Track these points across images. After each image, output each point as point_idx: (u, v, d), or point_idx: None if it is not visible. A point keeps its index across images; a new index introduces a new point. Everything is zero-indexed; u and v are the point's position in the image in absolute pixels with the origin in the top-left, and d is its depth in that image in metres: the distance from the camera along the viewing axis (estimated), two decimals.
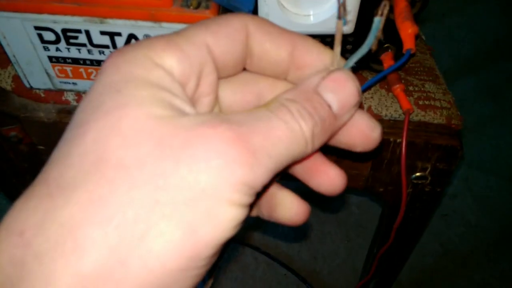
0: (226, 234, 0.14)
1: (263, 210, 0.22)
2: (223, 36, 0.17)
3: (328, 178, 0.20)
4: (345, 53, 0.38)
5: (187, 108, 0.16)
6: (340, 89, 0.17)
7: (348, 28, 0.34)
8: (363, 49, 0.18)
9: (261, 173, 0.15)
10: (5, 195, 0.51)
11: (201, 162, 0.14)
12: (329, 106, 0.17)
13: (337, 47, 0.18)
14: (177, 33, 0.17)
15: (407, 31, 0.31)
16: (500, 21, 1.26)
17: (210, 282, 0.22)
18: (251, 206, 0.16)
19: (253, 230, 0.86)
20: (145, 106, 0.15)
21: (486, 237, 0.83)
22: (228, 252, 0.83)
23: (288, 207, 0.21)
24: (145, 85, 0.15)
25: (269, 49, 0.18)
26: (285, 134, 0.15)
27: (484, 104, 1.04)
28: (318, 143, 0.17)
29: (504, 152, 0.96)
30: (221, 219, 0.14)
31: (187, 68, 0.16)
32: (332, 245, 0.83)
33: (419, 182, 0.41)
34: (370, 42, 0.18)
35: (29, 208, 0.14)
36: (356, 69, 0.40)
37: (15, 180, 0.48)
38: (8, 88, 0.41)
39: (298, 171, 0.20)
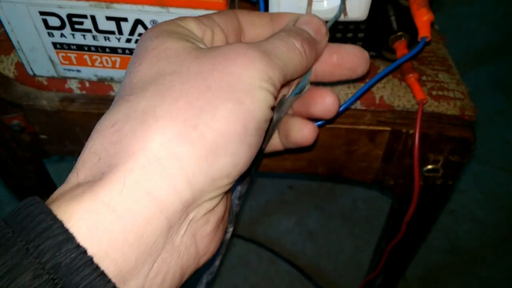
0: (263, 111, 0.20)
1: (282, 138, 0.27)
2: (222, 15, 0.24)
3: (324, 102, 0.26)
4: (357, 41, 0.37)
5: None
6: (310, 22, 0.25)
7: (361, 15, 0.33)
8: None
9: (276, 69, 0.21)
10: (6, 185, 0.50)
11: (232, 62, 0.19)
12: (308, 33, 0.24)
13: (309, 7, 0.28)
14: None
15: (423, 18, 0.30)
16: (509, 13, 1.24)
17: (231, 230, 0.26)
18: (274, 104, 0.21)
19: (256, 225, 0.85)
20: (179, 42, 0.21)
21: (494, 233, 0.82)
22: (231, 249, 0.82)
23: (299, 128, 0.26)
24: (175, 33, 0.21)
25: (255, 18, 0.26)
26: (284, 46, 0.22)
27: (494, 98, 1.03)
28: (310, 56, 0.24)
29: None
30: (258, 96, 0.19)
31: (203, 28, 0.23)
32: (337, 241, 0.82)
33: (431, 175, 0.40)
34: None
35: (112, 111, 0.19)
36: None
37: (16, 169, 0.47)
38: (11, 75, 0.40)
39: (301, 104, 0.26)
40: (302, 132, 0.26)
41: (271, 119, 0.23)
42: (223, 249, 0.26)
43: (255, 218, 0.86)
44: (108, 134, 0.18)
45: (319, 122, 0.35)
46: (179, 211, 0.18)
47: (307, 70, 0.25)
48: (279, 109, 0.25)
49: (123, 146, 0.17)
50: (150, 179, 0.17)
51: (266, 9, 0.34)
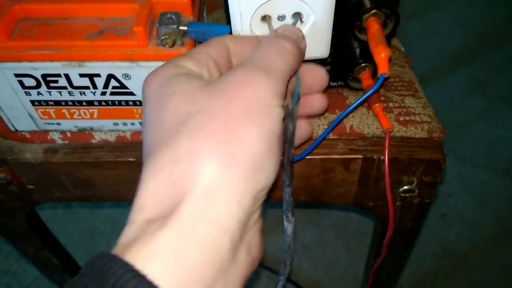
0: (279, 125, 0.22)
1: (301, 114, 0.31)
2: (214, 48, 0.26)
3: (315, 76, 0.29)
4: None
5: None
6: (287, 29, 0.28)
7: (323, 54, 0.35)
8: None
9: (278, 80, 0.23)
10: (4, 237, 0.51)
11: (243, 91, 0.22)
12: (290, 36, 0.27)
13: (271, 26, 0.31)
14: (191, 50, 0.27)
15: (380, 55, 0.31)
16: (483, 14, 1.27)
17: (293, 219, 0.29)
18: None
19: None
20: (191, 82, 0.23)
21: (485, 234, 0.83)
22: None
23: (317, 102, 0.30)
24: (183, 75, 0.24)
25: (243, 41, 0.28)
26: (276, 52, 0.25)
27: (474, 98, 1.05)
28: (298, 55, 0.26)
29: (496, 146, 0.96)
30: (273, 115, 0.22)
31: (199, 66, 0.25)
32: (332, 254, 0.83)
33: (407, 195, 0.41)
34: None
35: (156, 155, 0.22)
36: (335, 87, 0.41)
37: (7, 219, 0.48)
38: None
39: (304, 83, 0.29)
40: (320, 103, 0.31)
41: (290, 130, 0.26)
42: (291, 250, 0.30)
43: None
44: (162, 178, 0.21)
45: (298, 157, 0.36)
46: (239, 231, 0.21)
47: (297, 69, 0.27)
48: (292, 119, 0.27)
49: (180, 186, 0.20)
50: (211, 208, 0.20)
51: None
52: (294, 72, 0.27)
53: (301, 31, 0.28)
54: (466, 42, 1.20)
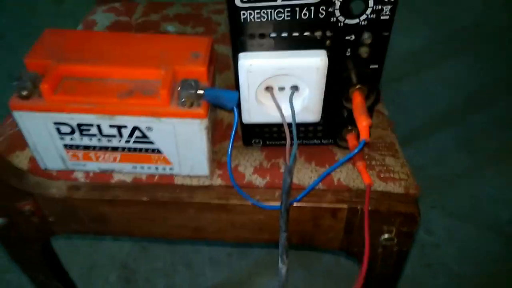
0: None
1: None
2: None
3: None
4: (317, 133, 0.45)
5: None
6: None
7: (315, 119, 0.41)
8: None
9: None
10: (15, 263, 0.55)
11: None
12: None
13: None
14: None
15: (362, 124, 0.38)
16: (471, 77, 1.36)
17: None
18: None
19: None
20: None
21: (469, 285, 0.87)
22: None
23: None
24: None
25: None
26: None
27: (461, 157, 1.11)
28: None
29: (481, 202, 1.01)
30: None
31: None
32: None
33: (388, 243, 0.46)
34: None
35: None
36: (326, 145, 0.47)
37: (24, 248, 0.53)
38: (25, 168, 0.47)
39: None
40: None
41: (287, 182, 0.35)
42: None
43: (244, 280, 0.90)
44: None
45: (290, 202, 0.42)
46: None
47: None
48: (289, 174, 0.36)
49: None
50: None
51: (240, 114, 0.42)
52: None
53: None
54: (454, 102, 1.28)
